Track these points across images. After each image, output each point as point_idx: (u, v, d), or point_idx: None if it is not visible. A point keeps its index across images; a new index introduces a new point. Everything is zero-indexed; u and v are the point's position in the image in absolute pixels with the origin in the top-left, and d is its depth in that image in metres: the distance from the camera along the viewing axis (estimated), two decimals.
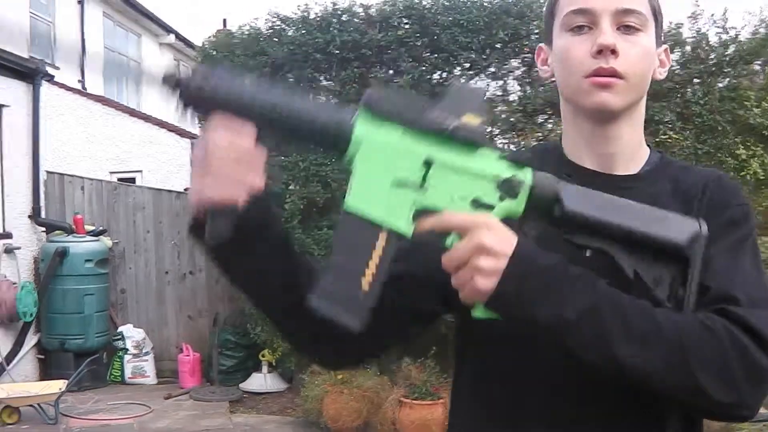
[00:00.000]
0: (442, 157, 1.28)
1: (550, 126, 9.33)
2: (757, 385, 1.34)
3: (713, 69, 8.31)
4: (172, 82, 1.34)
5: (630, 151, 1.61)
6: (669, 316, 1.32)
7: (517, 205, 1.31)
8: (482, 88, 1.33)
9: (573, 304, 1.28)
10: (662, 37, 1.63)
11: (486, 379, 1.61)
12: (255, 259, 1.37)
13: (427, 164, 1.27)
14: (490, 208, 1.30)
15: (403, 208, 1.27)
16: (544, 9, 1.64)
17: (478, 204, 1.30)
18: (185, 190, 11.64)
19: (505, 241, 1.28)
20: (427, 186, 1.28)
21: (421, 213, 1.29)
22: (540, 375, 1.46)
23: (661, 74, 1.63)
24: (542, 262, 1.30)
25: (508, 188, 1.30)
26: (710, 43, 8.42)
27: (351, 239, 1.27)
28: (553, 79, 1.62)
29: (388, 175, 1.26)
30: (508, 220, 1.31)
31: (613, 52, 1.47)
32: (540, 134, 9.25)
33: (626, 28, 1.49)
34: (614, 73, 1.48)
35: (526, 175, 1.32)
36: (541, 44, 1.67)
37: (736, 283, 1.40)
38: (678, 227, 1.37)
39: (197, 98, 1.32)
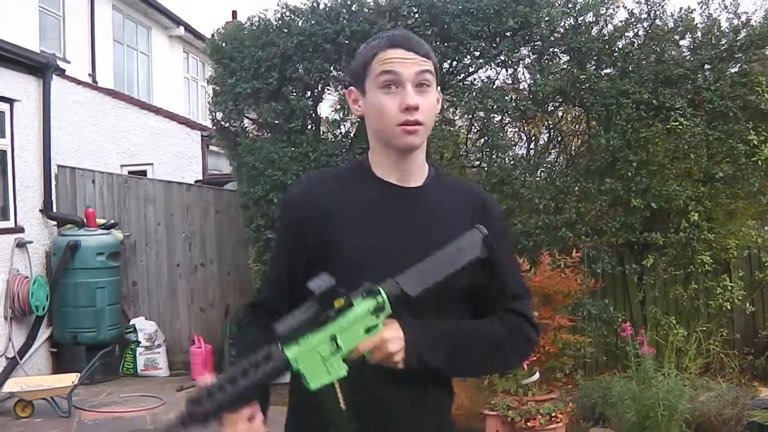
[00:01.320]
0: (336, 328, 1.91)
1: (560, 113, 9.29)
2: (531, 351, 2.43)
3: (724, 54, 8.26)
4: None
5: (418, 169, 2.21)
6: (491, 330, 2.16)
7: (388, 311, 1.95)
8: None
9: (444, 350, 2.06)
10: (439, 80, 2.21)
11: None
12: None
13: (333, 337, 1.90)
14: (377, 326, 1.95)
15: (336, 365, 1.90)
16: (356, 60, 2.21)
17: (370, 329, 1.93)
18: (196, 182, 11.65)
19: (398, 332, 1.98)
20: (340, 345, 1.91)
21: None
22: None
23: (437, 110, 2.21)
24: (420, 334, 2.02)
25: (378, 310, 1.94)
26: (721, 28, 8.37)
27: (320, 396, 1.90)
28: (361, 116, 2.23)
29: (319, 359, 1.89)
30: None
31: (416, 108, 2.08)
32: (550, 121, 9.22)
33: (421, 86, 2.11)
34: (417, 123, 2.10)
35: (382, 296, 1.94)
36: (351, 87, 2.25)
37: (516, 282, 2.30)
38: (470, 246, 2.04)
39: (208, 419, 1.82)
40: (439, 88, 2.21)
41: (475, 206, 2.24)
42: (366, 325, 1.93)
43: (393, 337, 1.96)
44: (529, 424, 6.28)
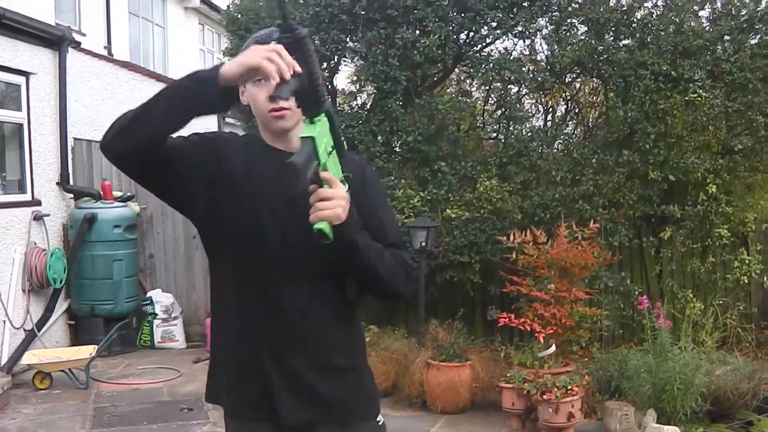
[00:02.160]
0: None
1: (578, 85, 9.24)
2: (411, 286, 2.73)
3: (744, 25, 8.18)
4: None
5: (297, 139, 2.32)
6: (387, 253, 2.49)
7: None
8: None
9: (365, 239, 2.41)
10: None
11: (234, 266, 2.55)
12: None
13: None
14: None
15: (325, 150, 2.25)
16: None
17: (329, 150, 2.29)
18: None
19: (348, 202, 2.28)
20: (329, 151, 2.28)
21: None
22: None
23: None
24: (355, 215, 2.33)
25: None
26: None
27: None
28: (248, 104, 2.57)
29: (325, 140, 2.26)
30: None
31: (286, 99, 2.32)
32: (567, 93, 9.17)
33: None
34: (282, 108, 2.43)
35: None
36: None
37: (394, 233, 2.64)
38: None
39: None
40: None
41: (359, 171, 2.58)
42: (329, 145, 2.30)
43: (346, 196, 2.27)
44: (545, 396, 6.28)
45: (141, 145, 2.34)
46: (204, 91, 2.27)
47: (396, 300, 2.84)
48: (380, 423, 2.67)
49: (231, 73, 2.21)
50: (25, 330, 8.88)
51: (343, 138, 2.39)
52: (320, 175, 2.21)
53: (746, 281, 8.52)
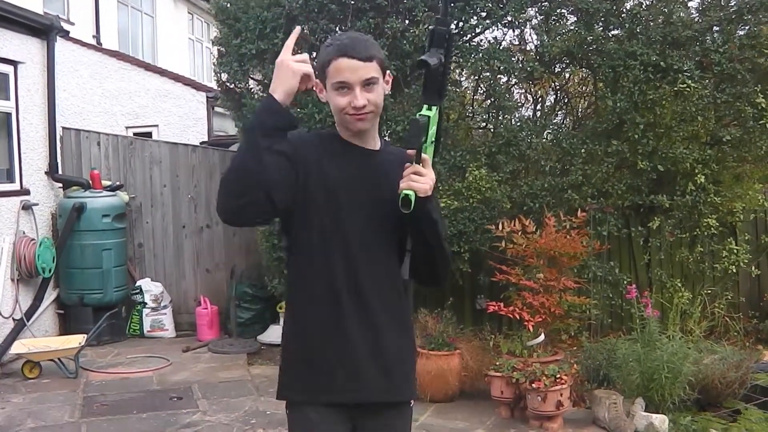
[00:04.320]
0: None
1: (567, 75, 9.24)
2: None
3: (733, 16, 8.19)
4: None
5: (373, 139, 2.86)
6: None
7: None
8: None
9: (439, 214, 2.76)
10: (386, 70, 2.79)
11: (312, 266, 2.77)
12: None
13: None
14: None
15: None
16: (318, 61, 2.77)
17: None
18: (201, 143, 11.63)
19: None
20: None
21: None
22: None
23: (387, 90, 2.81)
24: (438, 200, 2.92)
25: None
26: None
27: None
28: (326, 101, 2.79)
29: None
30: None
31: (363, 107, 2.68)
32: (557, 83, 9.17)
33: (368, 85, 2.68)
34: (365, 113, 2.70)
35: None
36: (317, 80, 2.74)
37: (445, 230, 2.87)
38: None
39: None
40: (388, 71, 2.81)
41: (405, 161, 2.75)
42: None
43: (434, 178, 2.64)
44: (534, 385, 6.31)
45: (253, 190, 2.56)
46: (272, 111, 2.59)
47: (437, 283, 2.96)
48: (411, 405, 2.95)
49: (284, 99, 2.59)
50: (14, 319, 8.86)
51: (442, 139, 2.75)
52: (421, 154, 2.59)
53: (734, 271, 8.57)
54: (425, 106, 2.60)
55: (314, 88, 2.80)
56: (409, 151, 2.61)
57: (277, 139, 2.57)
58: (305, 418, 2.77)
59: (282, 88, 2.58)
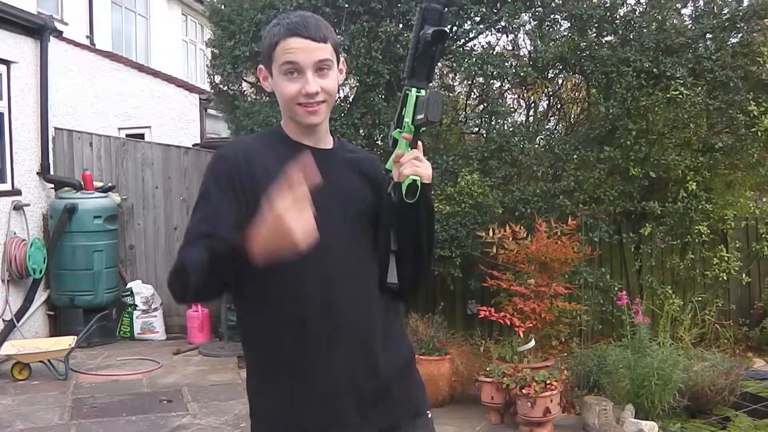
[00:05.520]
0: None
1: (560, 81, 9.26)
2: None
3: (726, 24, 8.21)
4: None
5: (324, 135, 2.54)
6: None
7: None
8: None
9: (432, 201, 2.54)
10: (339, 56, 2.50)
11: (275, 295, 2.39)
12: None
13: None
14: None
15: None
16: (263, 43, 2.48)
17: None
18: (194, 145, 11.61)
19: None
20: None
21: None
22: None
23: (341, 80, 2.53)
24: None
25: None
26: None
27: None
28: (271, 91, 2.50)
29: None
30: None
31: (316, 94, 2.38)
32: (550, 89, 9.18)
33: (321, 69, 2.39)
34: (317, 103, 2.40)
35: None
36: (261, 66, 2.51)
37: None
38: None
39: None
40: (342, 58, 2.53)
41: (376, 166, 2.64)
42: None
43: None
44: (524, 391, 6.30)
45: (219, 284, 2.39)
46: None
47: (415, 290, 2.63)
48: (430, 416, 2.66)
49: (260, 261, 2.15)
50: (3, 320, 8.84)
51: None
52: (418, 140, 2.43)
53: (725, 278, 8.59)
54: (414, 89, 2.41)
55: (258, 75, 2.56)
56: (405, 136, 2.40)
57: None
58: None
59: (265, 252, 2.12)
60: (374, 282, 2.47)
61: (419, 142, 2.42)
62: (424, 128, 2.43)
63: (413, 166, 2.37)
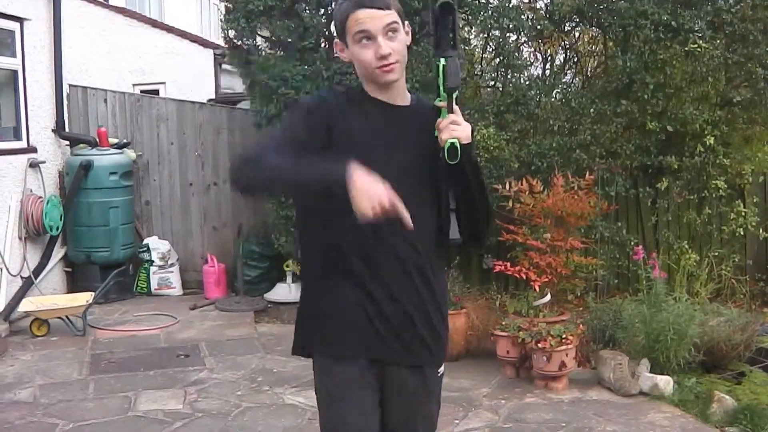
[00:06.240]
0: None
1: (577, 34, 9.17)
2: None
3: None
4: None
5: (402, 93, 2.79)
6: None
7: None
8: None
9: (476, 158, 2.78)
10: (404, 19, 2.70)
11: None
12: None
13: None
14: None
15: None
16: (335, 20, 2.75)
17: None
18: (208, 101, 11.58)
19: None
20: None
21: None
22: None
23: (408, 41, 2.71)
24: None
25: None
26: None
27: None
28: (349, 61, 2.74)
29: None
30: None
31: (389, 55, 2.61)
32: (566, 42, 9.10)
33: (389, 33, 2.62)
34: (391, 64, 2.63)
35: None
36: (336, 40, 2.77)
37: None
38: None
39: None
40: (407, 22, 2.73)
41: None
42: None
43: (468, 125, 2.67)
44: (539, 345, 6.31)
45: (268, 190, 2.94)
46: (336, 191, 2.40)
47: (478, 240, 2.92)
48: (441, 374, 2.94)
49: (353, 200, 2.35)
50: (21, 277, 8.89)
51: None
52: (453, 104, 2.63)
53: (742, 233, 8.55)
54: (442, 59, 2.62)
55: (335, 48, 2.81)
56: (440, 104, 2.65)
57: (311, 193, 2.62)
58: (339, 370, 2.73)
59: (358, 194, 2.35)
60: (433, 233, 2.76)
61: (455, 106, 2.63)
62: (455, 93, 2.64)
63: (450, 130, 2.60)
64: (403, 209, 2.38)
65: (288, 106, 2.42)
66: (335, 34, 2.77)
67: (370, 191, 2.34)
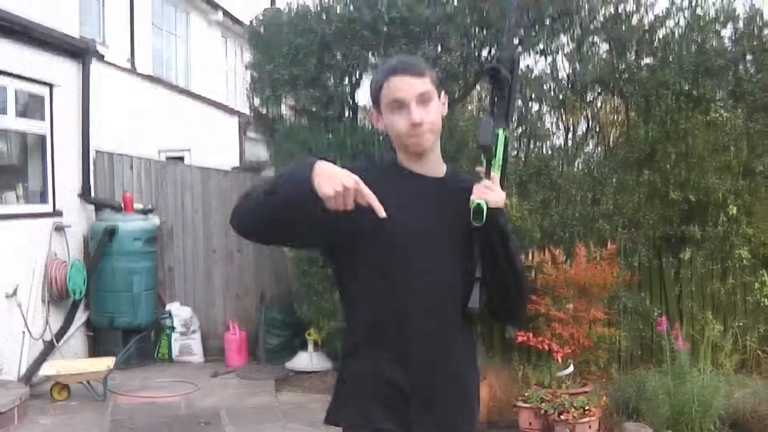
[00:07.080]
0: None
1: (599, 103, 9.22)
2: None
3: (767, 45, 8.13)
4: None
5: (436, 164, 2.76)
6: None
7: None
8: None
9: (508, 228, 2.67)
10: (440, 90, 2.70)
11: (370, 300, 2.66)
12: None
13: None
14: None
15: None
16: (371, 88, 2.72)
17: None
18: (233, 168, 11.69)
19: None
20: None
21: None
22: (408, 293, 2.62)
23: (444, 111, 2.72)
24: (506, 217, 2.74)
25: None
26: (764, 18, 8.25)
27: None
28: (384, 129, 2.72)
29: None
30: None
31: (421, 123, 2.59)
32: (588, 111, 9.14)
33: (424, 101, 2.60)
34: (423, 132, 2.61)
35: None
36: (372, 110, 2.76)
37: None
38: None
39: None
40: (443, 92, 2.73)
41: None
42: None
43: (504, 196, 2.65)
44: (562, 417, 6.26)
45: (271, 225, 2.48)
46: (302, 187, 2.33)
47: (513, 316, 3.01)
48: None
49: (316, 186, 2.29)
50: (44, 341, 8.92)
51: (507, 170, 2.77)
52: (490, 173, 2.63)
53: (766, 303, 8.46)
54: (501, 130, 2.67)
55: (371, 118, 2.81)
56: (479, 169, 2.64)
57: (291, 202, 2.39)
58: None
59: (319, 180, 2.29)
60: (461, 306, 2.65)
61: (492, 173, 2.63)
62: (493, 160, 2.65)
63: (480, 192, 2.59)
64: (369, 193, 2.33)
65: None
66: (371, 103, 2.75)
67: (333, 175, 2.29)
